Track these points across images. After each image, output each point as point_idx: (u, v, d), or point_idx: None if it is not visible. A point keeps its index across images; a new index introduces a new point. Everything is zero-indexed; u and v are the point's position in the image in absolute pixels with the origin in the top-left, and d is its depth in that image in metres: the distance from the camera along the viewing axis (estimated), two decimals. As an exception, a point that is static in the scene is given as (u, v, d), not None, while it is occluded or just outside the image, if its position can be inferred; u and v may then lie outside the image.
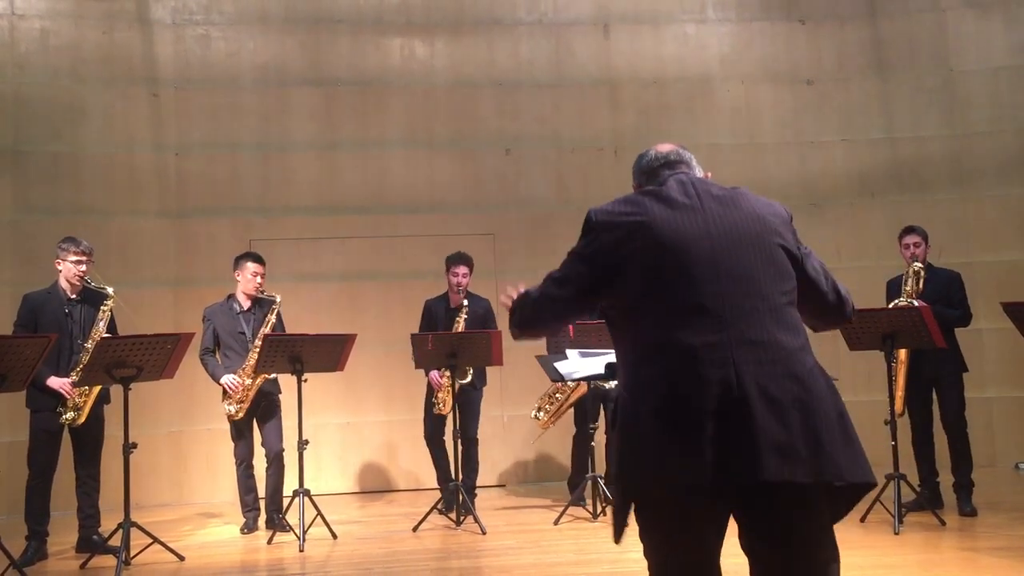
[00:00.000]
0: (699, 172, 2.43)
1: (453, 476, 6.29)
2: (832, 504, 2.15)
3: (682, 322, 2.11)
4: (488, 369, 6.73)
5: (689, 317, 2.11)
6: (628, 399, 2.17)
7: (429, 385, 6.69)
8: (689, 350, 2.08)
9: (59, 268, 5.64)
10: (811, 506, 2.10)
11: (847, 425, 2.12)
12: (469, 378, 6.53)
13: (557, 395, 6.71)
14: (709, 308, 2.11)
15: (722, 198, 2.26)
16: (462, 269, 6.68)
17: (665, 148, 2.46)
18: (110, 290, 5.62)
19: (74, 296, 5.64)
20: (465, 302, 6.61)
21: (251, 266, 6.23)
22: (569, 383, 6.50)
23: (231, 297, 6.32)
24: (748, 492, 2.08)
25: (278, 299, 6.21)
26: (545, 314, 2.41)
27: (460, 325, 6.56)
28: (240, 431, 6.21)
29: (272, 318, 6.15)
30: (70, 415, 5.49)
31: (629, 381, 2.20)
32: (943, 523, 5.56)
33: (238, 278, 6.27)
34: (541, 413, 6.80)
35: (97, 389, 5.51)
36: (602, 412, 6.62)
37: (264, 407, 6.20)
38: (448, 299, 6.79)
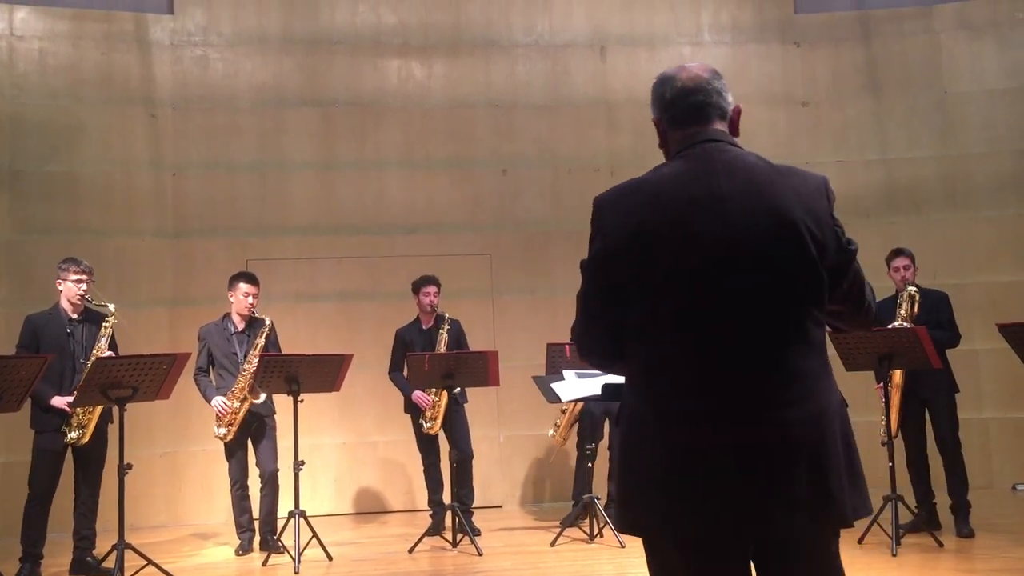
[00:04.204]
0: (728, 103, 2.08)
1: (444, 498, 6.30)
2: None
3: (690, 352, 1.88)
4: (484, 389, 6.71)
5: (699, 347, 1.88)
6: (626, 434, 1.96)
7: (414, 407, 6.66)
8: (696, 387, 1.87)
9: (60, 288, 5.65)
10: (817, 552, 1.93)
11: (853, 457, 1.92)
12: (458, 388, 6.51)
13: (563, 408, 6.72)
14: (722, 337, 1.87)
15: (752, 191, 1.91)
16: (432, 288, 6.71)
17: (691, 80, 2.05)
18: (111, 307, 5.63)
19: (75, 316, 5.65)
20: (447, 324, 6.62)
21: (243, 286, 6.21)
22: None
23: (226, 317, 6.31)
24: (757, 545, 1.92)
25: (268, 321, 6.18)
26: (587, 346, 2.08)
27: (443, 343, 6.56)
28: (233, 452, 6.18)
29: (261, 341, 6.11)
30: (74, 435, 5.48)
31: (628, 413, 1.97)
32: (941, 545, 5.55)
33: (231, 298, 6.26)
34: (555, 431, 6.80)
35: (100, 407, 5.49)
36: (607, 428, 6.61)
37: (256, 428, 6.18)
38: (419, 322, 6.80)
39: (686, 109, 2.05)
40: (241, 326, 6.24)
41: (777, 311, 1.88)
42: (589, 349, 2.09)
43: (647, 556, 2.00)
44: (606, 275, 1.98)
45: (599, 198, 2.04)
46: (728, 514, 1.84)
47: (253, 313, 6.21)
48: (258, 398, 6.01)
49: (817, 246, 1.91)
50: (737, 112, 2.10)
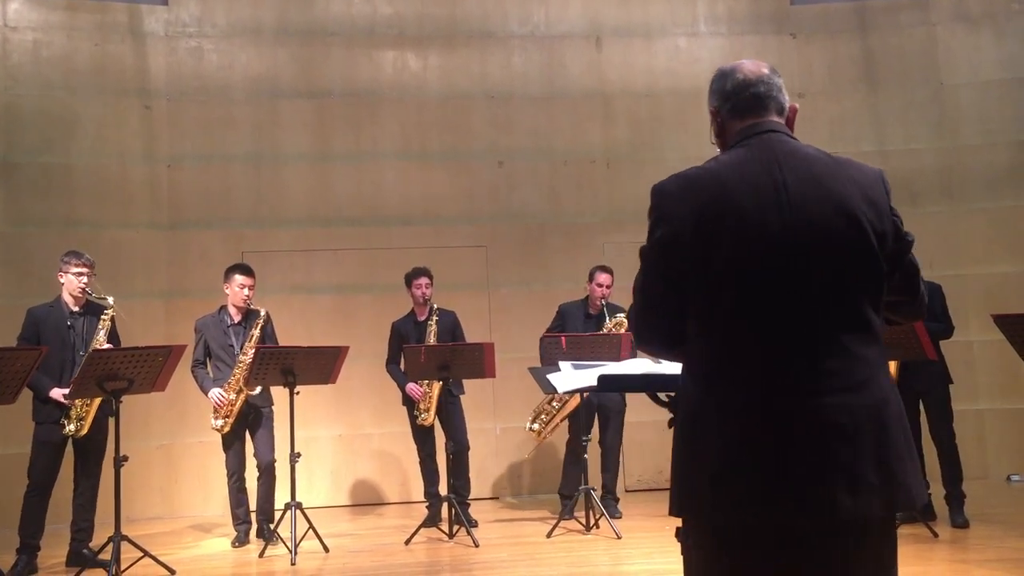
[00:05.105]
0: (786, 101, 2.11)
1: (440, 490, 6.31)
2: None
3: (756, 340, 1.89)
4: (480, 381, 6.71)
5: (765, 335, 1.89)
6: (692, 418, 1.96)
7: (408, 399, 6.67)
8: (761, 374, 1.88)
9: (61, 281, 5.65)
10: (881, 540, 1.94)
11: (911, 442, 1.95)
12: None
13: (553, 404, 6.69)
14: (786, 326, 1.88)
15: (815, 181, 1.93)
16: (424, 280, 6.70)
17: (753, 73, 2.10)
18: (110, 299, 5.64)
19: (77, 309, 5.66)
20: (435, 311, 6.61)
21: (239, 278, 6.20)
22: (564, 394, 6.51)
23: (223, 309, 6.30)
24: (815, 532, 1.89)
25: (263, 313, 6.17)
26: (647, 333, 2.08)
27: (432, 334, 6.56)
28: (231, 444, 6.18)
29: (256, 332, 6.10)
30: (73, 427, 5.48)
31: (694, 398, 1.97)
32: (935, 535, 5.56)
33: (227, 290, 6.24)
34: (536, 424, 6.77)
35: (98, 399, 5.49)
36: (596, 423, 6.61)
37: (253, 420, 6.17)
38: (414, 314, 6.80)
39: (747, 99, 2.08)
40: (237, 318, 6.23)
41: (839, 299, 1.90)
42: (647, 337, 2.09)
43: (692, 542, 1.99)
44: (666, 263, 1.98)
45: (659, 186, 2.02)
46: (789, 503, 1.85)
47: (249, 305, 6.20)
48: (254, 390, 6.01)
49: (877, 236, 1.93)
50: (793, 111, 2.13)
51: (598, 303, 6.65)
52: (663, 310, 2.02)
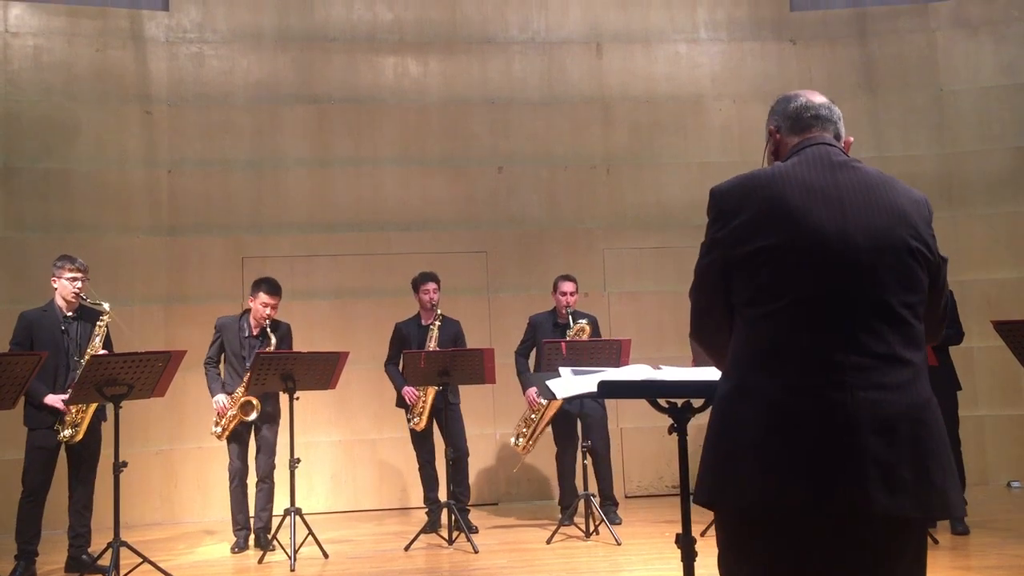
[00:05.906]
0: (843, 132, 2.23)
1: (440, 496, 6.29)
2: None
3: (800, 331, 1.93)
4: (480, 387, 6.70)
5: (809, 327, 1.93)
6: (731, 405, 2.00)
7: (402, 401, 6.66)
8: (802, 364, 1.92)
9: (55, 286, 5.64)
10: (911, 542, 1.97)
11: (951, 454, 1.99)
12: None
13: (532, 416, 6.67)
14: (831, 320, 1.93)
15: (865, 187, 2.03)
16: (431, 285, 6.68)
17: (817, 99, 2.25)
18: (106, 306, 5.63)
19: (70, 313, 5.65)
20: (438, 321, 6.60)
21: (262, 296, 6.14)
22: (541, 402, 6.49)
23: (244, 315, 6.27)
24: (847, 524, 1.92)
25: (273, 341, 6.07)
26: (704, 332, 2.17)
27: (432, 340, 6.55)
28: (235, 448, 6.16)
29: None
30: (68, 432, 5.47)
31: (733, 385, 2.00)
32: (936, 542, 5.55)
33: (250, 303, 6.22)
34: (520, 439, 6.74)
35: (94, 405, 5.48)
36: (579, 428, 6.57)
37: (256, 431, 6.17)
38: (419, 319, 6.79)
39: (808, 119, 2.21)
40: (256, 331, 6.20)
41: (885, 301, 1.95)
42: (705, 337, 2.16)
43: (726, 532, 2.02)
44: (724, 258, 2.04)
45: (717, 188, 2.10)
46: (820, 492, 1.87)
47: (266, 325, 6.14)
48: (249, 416, 6.00)
49: (923, 247, 2.03)
50: (848, 144, 2.22)
51: (564, 311, 6.65)
52: (721, 304, 2.08)
